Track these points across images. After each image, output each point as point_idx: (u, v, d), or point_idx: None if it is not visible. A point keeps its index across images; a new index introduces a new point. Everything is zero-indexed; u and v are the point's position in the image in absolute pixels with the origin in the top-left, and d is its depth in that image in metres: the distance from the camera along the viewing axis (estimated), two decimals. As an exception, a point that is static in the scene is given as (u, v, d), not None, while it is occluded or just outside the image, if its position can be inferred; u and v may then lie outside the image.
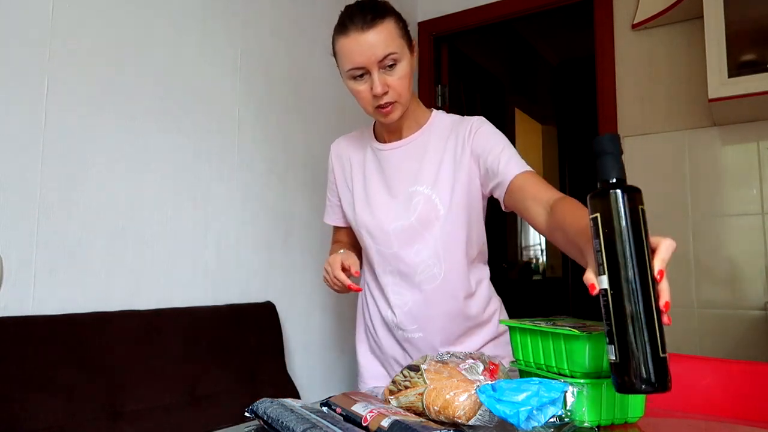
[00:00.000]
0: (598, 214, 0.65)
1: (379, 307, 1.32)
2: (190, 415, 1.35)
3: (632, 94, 2.27)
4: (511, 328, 0.90)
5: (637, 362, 0.61)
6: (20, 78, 1.24)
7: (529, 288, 4.63)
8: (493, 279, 1.36)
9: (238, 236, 1.75)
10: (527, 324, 0.86)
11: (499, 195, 1.17)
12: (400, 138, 1.26)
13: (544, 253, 5.08)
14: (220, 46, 1.73)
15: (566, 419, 0.73)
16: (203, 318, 1.53)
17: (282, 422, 0.70)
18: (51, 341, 1.20)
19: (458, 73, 3.03)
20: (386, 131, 1.27)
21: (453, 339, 1.26)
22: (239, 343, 1.59)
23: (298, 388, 1.72)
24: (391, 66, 1.10)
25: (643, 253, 0.63)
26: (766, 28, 1.93)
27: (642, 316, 0.62)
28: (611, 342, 0.64)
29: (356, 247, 1.39)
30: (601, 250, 0.65)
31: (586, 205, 0.71)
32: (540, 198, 1.06)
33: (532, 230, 5.43)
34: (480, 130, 1.19)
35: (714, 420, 1.00)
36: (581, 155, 4.04)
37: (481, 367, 0.80)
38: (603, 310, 0.65)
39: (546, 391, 0.69)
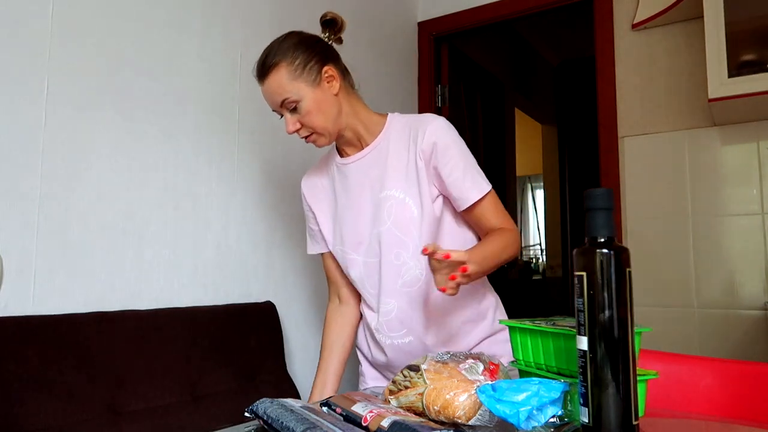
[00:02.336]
0: (584, 273, 0.65)
1: (365, 314, 1.33)
2: (190, 415, 1.35)
3: (632, 94, 2.27)
4: (510, 328, 0.90)
5: (608, 430, 0.63)
6: (20, 78, 1.24)
7: (529, 288, 4.63)
8: (493, 279, 1.36)
9: (238, 236, 1.75)
10: (527, 324, 0.86)
11: (456, 207, 1.24)
12: (361, 148, 1.28)
13: (544, 253, 5.08)
14: (220, 46, 1.73)
15: (566, 419, 0.73)
16: (203, 318, 1.53)
17: (282, 422, 0.70)
18: (51, 341, 1.20)
19: (458, 73, 3.03)
20: (345, 145, 1.30)
21: (447, 338, 1.26)
22: (239, 343, 1.59)
23: (298, 388, 1.72)
24: (293, 108, 1.18)
25: (626, 319, 0.63)
26: (766, 28, 1.93)
27: (619, 383, 0.63)
28: (585, 405, 0.64)
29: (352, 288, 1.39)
30: (584, 311, 0.65)
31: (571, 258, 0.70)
32: (488, 228, 1.22)
33: (532, 230, 5.43)
34: (437, 144, 1.19)
35: (714, 420, 1.00)
36: (581, 155, 4.04)
37: (481, 367, 0.80)
38: (580, 371, 0.65)
39: (546, 391, 0.69)
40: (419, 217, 1.21)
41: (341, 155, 1.32)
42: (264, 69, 1.18)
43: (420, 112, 2.78)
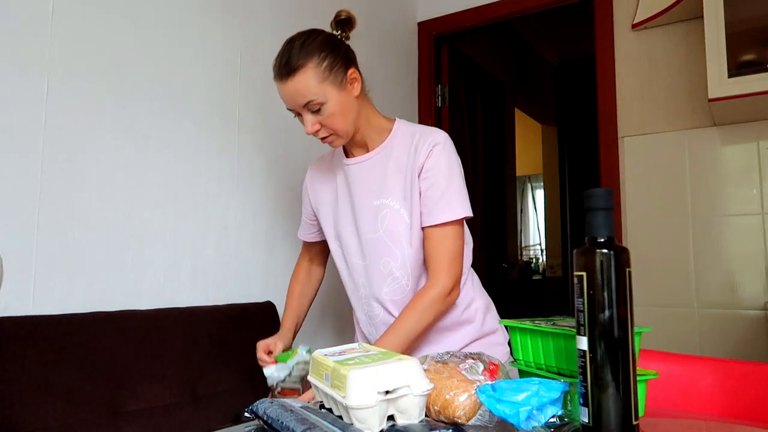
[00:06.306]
0: (584, 273, 0.65)
1: (358, 317, 1.36)
2: (190, 415, 1.35)
3: (632, 94, 2.27)
4: (511, 328, 0.90)
5: (608, 430, 0.63)
6: (20, 78, 1.24)
7: (529, 288, 4.63)
8: (494, 279, 1.36)
9: (238, 236, 1.75)
10: (527, 324, 0.86)
11: (422, 222, 1.22)
12: (366, 151, 1.29)
13: (544, 253, 5.08)
14: (220, 45, 1.73)
15: (566, 419, 0.73)
16: (203, 318, 1.53)
17: (282, 422, 0.70)
18: (51, 341, 1.20)
19: (458, 73, 3.03)
20: (352, 146, 1.30)
21: (431, 339, 1.26)
22: (239, 343, 1.59)
23: (298, 388, 1.72)
24: (317, 110, 1.16)
25: (626, 319, 0.63)
26: (766, 28, 1.93)
27: (619, 383, 0.63)
28: (585, 405, 0.64)
29: (313, 284, 1.50)
30: (584, 311, 0.65)
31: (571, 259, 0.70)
32: (428, 261, 1.20)
33: (532, 230, 5.43)
34: (431, 159, 1.19)
35: (714, 420, 1.00)
36: (581, 155, 4.05)
37: (481, 367, 0.80)
38: (580, 371, 0.65)
39: (546, 391, 0.69)
40: (412, 229, 1.21)
41: (346, 155, 1.33)
42: (289, 69, 1.13)
43: (420, 111, 2.78)
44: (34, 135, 1.26)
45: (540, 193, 5.17)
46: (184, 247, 1.58)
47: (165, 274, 1.53)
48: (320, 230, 1.42)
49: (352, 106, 1.20)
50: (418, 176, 1.20)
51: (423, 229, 1.21)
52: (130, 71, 1.47)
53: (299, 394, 1.16)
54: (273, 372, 1.23)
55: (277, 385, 1.21)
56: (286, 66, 1.14)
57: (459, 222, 1.20)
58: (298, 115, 1.19)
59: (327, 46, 1.16)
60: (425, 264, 1.22)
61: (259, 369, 1.62)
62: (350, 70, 1.19)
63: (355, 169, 1.29)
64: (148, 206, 1.50)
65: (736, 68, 1.84)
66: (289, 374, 1.19)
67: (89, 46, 1.38)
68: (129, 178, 1.45)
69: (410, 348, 1.18)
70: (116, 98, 1.43)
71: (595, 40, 2.36)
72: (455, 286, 1.20)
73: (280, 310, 1.80)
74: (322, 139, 1.21)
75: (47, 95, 1.29)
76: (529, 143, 5.11)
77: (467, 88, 3.16)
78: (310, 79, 1.13)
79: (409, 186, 1.22)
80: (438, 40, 2.84)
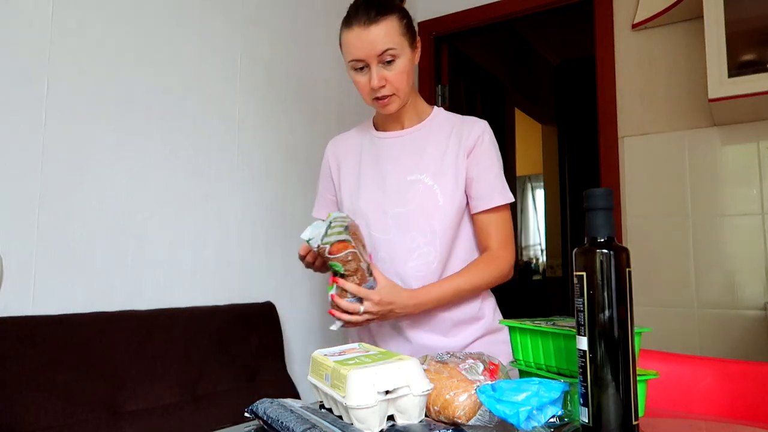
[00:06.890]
0: (584, 273, 0.65)
1: None
2: (190, 415, 1.35)
3: (632, 94, 2.27)
4: (511, 328, 0.90)
5: (608, 430, 0.63)
6: (20, 78, 1.24)
7: (529, 288, 4.63)
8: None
9: (238, 236, 1.75)
10: (527, 324, 0.86)
11: (472, 207, 1.28)
12: (401, 128, 1.31)
13: (544, 253, 5.08)
14: (220, 46, 1.73)
15: (566, 419, 0.73)
16: (203, 318, 1.53)
17: (282, 422, 0.70)
18: (51, 341, 1.20)
19: (458, 73, 3.03)
20: (388, 121, 1.32)
21: (445, 330, 1.26)
22: (239, 343, 1.59)
23: (298, 388, 1.72)
24: (389, 61, 1.17)
25: (626, 319, 0.64)
26: (766, 28, 1.93)
27: (619, 384, 0.63)
28: (585, 405, 0.64)
29: None
30: (583, 311, 0.65)
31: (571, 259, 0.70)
32: (485, 244, 1.25)
33: (532, 230, 5.43)
34: (483, 146, 1.25)
35: (714, 420, 1.00)
36: (581, 155, 4.04)
37: (481, 367, 0.80)
38: (580, 371, 0.65)
39: (546, 391, 0.69)
40: (444, 206, 1.23)
41: (378, 129, 1.34)
42: (375, 15, 1.14)
43: (420, 112, 2.77)
44: (34, 135, 1.26)
45: (540, 193, 5.17)
46: (184, 247, 1.58)
47: (165, 274, 1.53)
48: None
49: (413, 71, 1.24)
50: (467, 157, 1.24)
51: (475, 214, 1.26)
52: (130, 71, 1.47)
53: (352, 246, 1.09)
54: (309, 231, 1.06)
55: (322, 242, 1.05)
56: (368, 13, 1.15)
57: (509, 207, 1.27)
58: (363, 68, 1.18)
59: (402, 8, 1.21)
60: (479, 247, 1.27)
61: (258, 369, 1.63)
62: (417, 38, 1.23)
63: (389, 143, 1.30)
64: (148, 206, 1.50)
65: (736, 68, 1.84)
66: (330, 225, 1.06)
67: (89, 46, 1.38)
68: (129, 178, 1.45)
69: (454, 301, 1.22)
70: (116, 98, 1.43)
71: (595, 40, 2.36)
72: (512, 268, 1.26)
73: (281, 311, 1.81)
74: (381, 98, 1.20)
75: (47, 95, 1.29)
76: (529, 143, 5.10)
77: (467, 88, 3.16)
78: (395, 28, 1.16)
79: (451, 165, 1.24)
80: (438, 40, 2.84)
